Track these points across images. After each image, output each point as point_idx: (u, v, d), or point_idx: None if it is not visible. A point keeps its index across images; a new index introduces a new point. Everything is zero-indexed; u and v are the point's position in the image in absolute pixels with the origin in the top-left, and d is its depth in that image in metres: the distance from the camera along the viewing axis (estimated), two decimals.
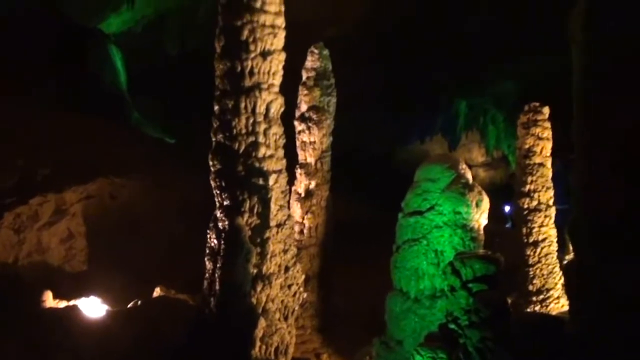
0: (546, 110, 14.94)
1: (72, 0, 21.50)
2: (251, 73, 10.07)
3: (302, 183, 14.84)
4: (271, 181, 10.48)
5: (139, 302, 12.63)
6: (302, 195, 14.84)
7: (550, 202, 14.90)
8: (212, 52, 10.32)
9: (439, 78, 24.05)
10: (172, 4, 22.24)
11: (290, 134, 11.73)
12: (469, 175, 11.99)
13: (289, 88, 11.41)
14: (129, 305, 12.62)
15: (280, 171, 10.81)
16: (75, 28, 21.88)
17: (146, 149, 20.41)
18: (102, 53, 23.08)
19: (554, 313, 14.49)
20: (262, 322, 10.03)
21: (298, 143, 14.84)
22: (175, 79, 22.97)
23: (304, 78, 15.02)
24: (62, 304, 12.78)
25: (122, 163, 17.82)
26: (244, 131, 10.10)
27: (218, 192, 10.17)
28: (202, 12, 21.30)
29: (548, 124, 14.87)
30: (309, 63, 15.07)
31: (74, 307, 12.04)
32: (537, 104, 15.02)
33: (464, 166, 12.12)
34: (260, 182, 10.25)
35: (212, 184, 10.22)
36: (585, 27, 8.58)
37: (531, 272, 14.84)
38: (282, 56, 10.50)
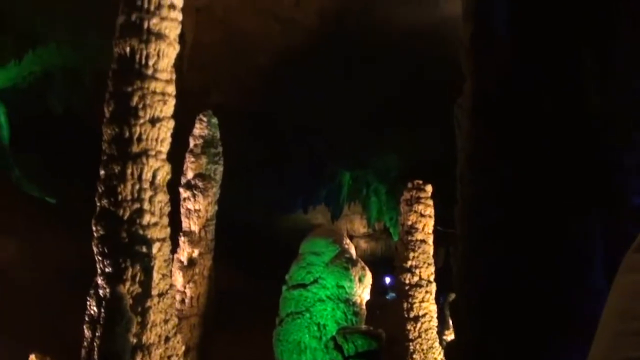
0: (429, 188, 15.27)
1: None
2: (139, 139, 9.97)
3: (185, 251, 14.63)
4: (154, 249, 10.30)
5: None
6: (185, 264, 14.61)
7: (431, 278, 15.14)
8: (99, 114, 10.19)
9: (322, 150, 24.39)
10: (59, 63, 21.87)
11: (174, 201, 11.62)
12: (352, 250, 12.13)
13: (175, 154, 11.35)
14: None
15: (164, 239, 10.65)
16: None
17: (26, 208, 19.84)
18: None
19: None
20: None
21: (183, 210, 14.67)
22: (60, 138, 22.48)
23: (191, 145, 14.95)
24: None
25: None
26: (129, 197, 9.95)
27: (100, 258, 9.92)
28: (88, 74, 21.02)
29: (430, 202, 15.19)
30: (197, 130, 15.02)
31: None
32: (420, 181, 15.35)
33: (348, 241, 12.30)
34: (144, 249, 10.07)
35: (95, 249, 9.97)
36: (469, 116, 8.82)
37: (411, 347, 14.97)
38: (171, 123, 10.45)
